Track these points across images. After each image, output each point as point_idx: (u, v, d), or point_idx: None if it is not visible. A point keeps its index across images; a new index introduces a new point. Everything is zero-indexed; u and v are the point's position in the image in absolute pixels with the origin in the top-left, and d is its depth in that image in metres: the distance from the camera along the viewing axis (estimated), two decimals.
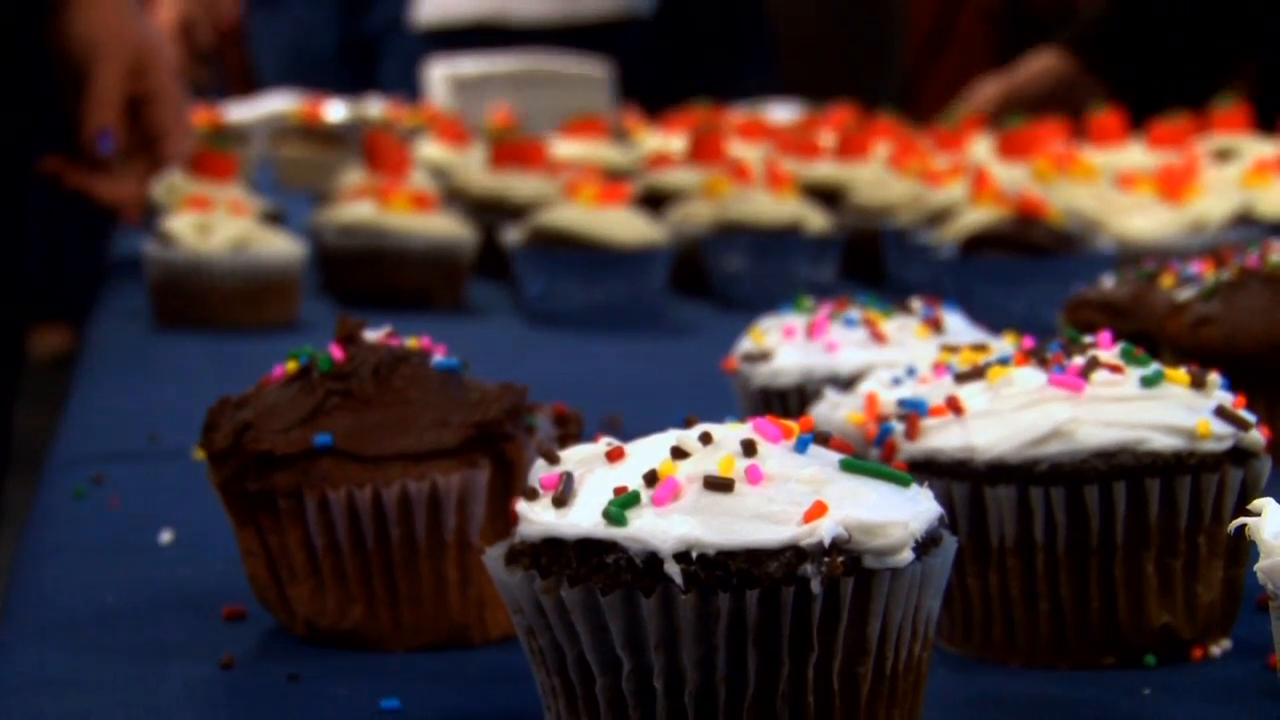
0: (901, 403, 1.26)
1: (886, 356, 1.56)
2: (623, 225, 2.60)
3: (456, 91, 4.86)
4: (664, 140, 4.08)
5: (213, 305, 2.55)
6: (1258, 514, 1.02)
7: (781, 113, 4.82)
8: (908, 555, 1.00)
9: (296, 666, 1.24)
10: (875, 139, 3.51)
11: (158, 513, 1.59)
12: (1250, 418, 1.22)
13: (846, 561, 0.98)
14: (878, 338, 1.58)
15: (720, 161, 3.16)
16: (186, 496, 1.57)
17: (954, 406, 1.22)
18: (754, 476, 1.00)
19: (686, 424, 1.06)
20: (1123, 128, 3.56)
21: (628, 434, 1.09)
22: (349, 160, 3.74)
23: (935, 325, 1.60)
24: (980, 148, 3.54)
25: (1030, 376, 1.22)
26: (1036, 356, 1.25)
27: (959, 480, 1.20)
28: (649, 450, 1.04)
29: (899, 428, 1.24)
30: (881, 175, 3.13)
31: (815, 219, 2.78)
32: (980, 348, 1.36)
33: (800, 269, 2.73)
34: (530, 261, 2.65)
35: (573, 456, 1.07)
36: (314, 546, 1.27)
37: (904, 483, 1.03)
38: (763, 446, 1.02)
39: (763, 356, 1.62)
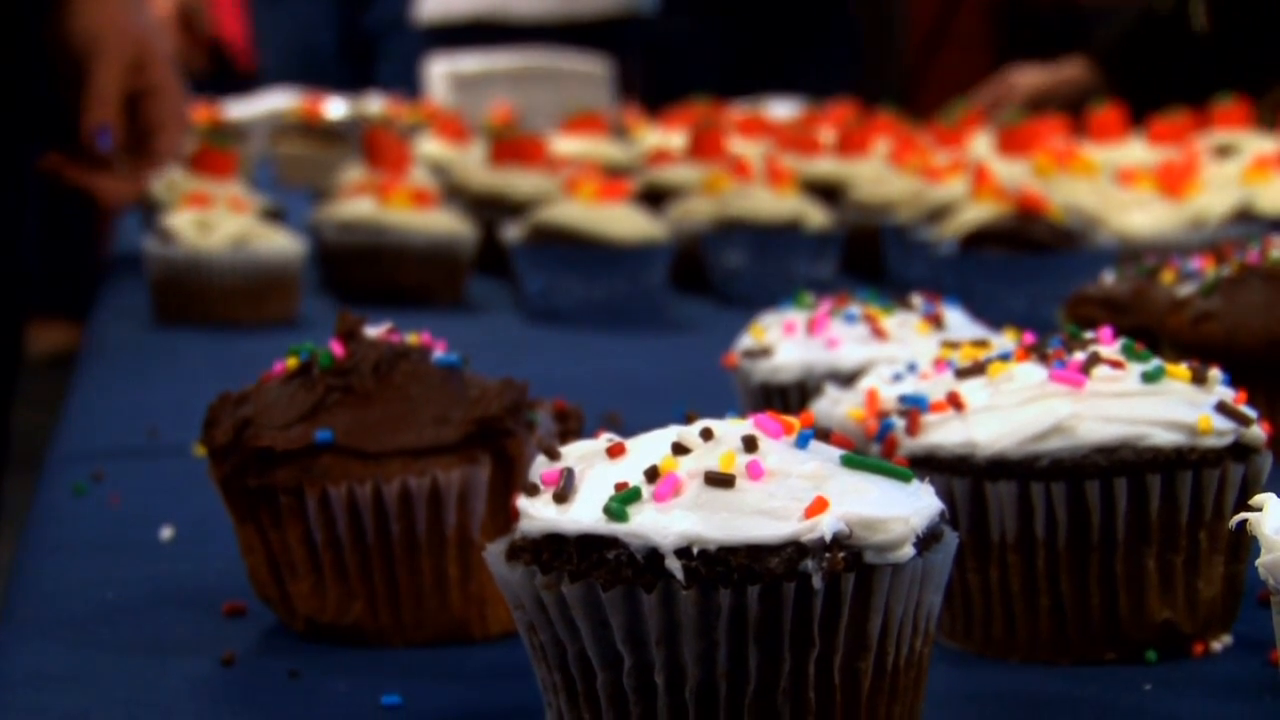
0: (902, 398, 1.26)
1: (887, 352, 1.56)
2: (623, 222, 2.60)
3: (456, 88, 4.86)
4: (664, 137, 4.08)
5: (213, 302, 2.55)
6: (1259, 509, 1.02)
7: (781, 109, 4.83)
8: (909, 551, 1.00)
9: (297, 663, 1.24)
10: (875, 135, 3.51)
11: (158, 509, 1.59)
12: (1251, 413, 1.22)
13: (847, 557, 0.98)
14: (878, 334, 1.58)
15: (720, 158, 3.16)
16: (187, 493, 1.57)
17: (955, 402, 1.22)
18: (755, 472, 1.00)
19: (687, 420, 1.06)
20: (1123, 124, 3.56)
21: (628, 430, 1.09)
22: (349, 157, 3.74)
23: (936, 321, 1.60)
24: (980, 144, 3.54)
25: (1031, 372, 1.22)
26: (1037, 352, 1.25)
27: (960, 476, 1.20)
28: (650, 446, 1.04)
29: (900, 423, 1.24)
30: (882, 171, 3.13)
31: (815, 215, 2.78)
32: (981, 344, 1.36)
33: (800, 265, 2.73)
34: (530, 258, 2.65)
35: (573, 452, 1.07)
36: (314, 543, 1.27)
37: (905, 478, 1.03)
38: (763, 442, 1.02)
39: (763, 352, 1.62)
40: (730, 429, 1.03)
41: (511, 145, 3.18)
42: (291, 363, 1.31)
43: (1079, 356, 1.23)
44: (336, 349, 1.30)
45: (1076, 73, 4.36)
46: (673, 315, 2.68)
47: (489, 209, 3.00)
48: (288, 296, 2.60)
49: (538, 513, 1.02)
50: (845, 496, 0.99)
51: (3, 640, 1.29)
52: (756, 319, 1.69)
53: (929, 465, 1.21)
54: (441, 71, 4.98)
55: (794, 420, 1.05)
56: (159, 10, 5.97)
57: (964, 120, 3.90)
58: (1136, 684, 1.18)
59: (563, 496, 1.02)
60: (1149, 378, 1.21)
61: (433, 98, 4.99)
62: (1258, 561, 1.00)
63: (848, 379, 1.52)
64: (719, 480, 0.99)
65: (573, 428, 1.34)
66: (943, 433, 1.21)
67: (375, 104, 4.80)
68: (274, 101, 4.78)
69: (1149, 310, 1.77)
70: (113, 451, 1.84)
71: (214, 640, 1.28)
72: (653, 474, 1.00)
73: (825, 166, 3.28)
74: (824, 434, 1.06)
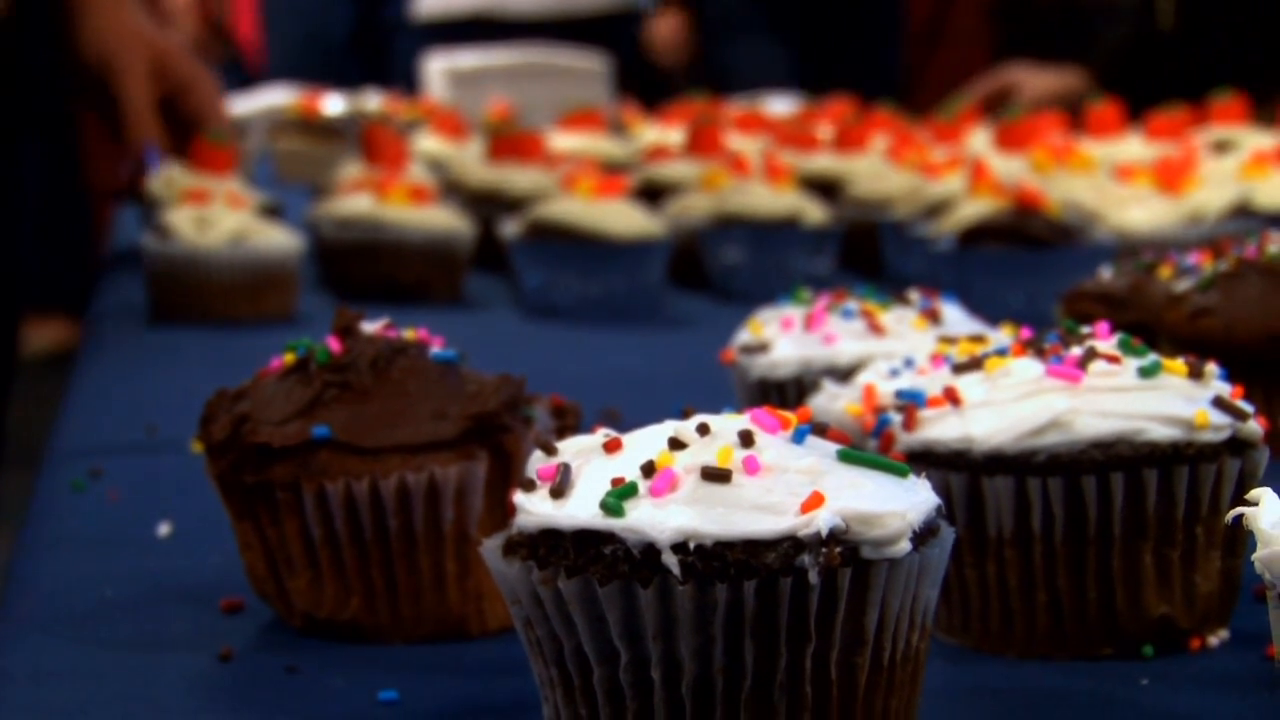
0: (899, 394, 1.26)
1: (884, 348, 1.56)
2: (620, 218, 2.60)
3: (454, 84, 4.86)
4: (662, 133, 4.08)
5: (211, 298, 2.54)
6: (1255, 504, 1.02)
7: (779, 105, 4.82)
8: (905, 546, 1.00)
9: (294, 658, 1.24)
10: (873, 131, 3.50)
11: (156, 505, 1.59)
12: (1248, 408, 1.22)
13: (844, 552, 0.98)
14: (875, 329, 1.58)
15: (718, 154, 3.16)
16: (185, 489, 1.57)
17: (952, 397, 1.22)
18: (751, 467, 1.00)
19: (684, 415, 1.06)
20: (1120, 119, 3.56)
21: (625, 425, 1.09)
22: (347, 153, 3.74)
23: (933, 317, 1.60)
24: (978, 140, 3.54)
25: (1028, 367, 1.22)
26: (1034, 347, 1.25)
27: (957, 471, 1.20)
28: (646, 441, 1.04)
29: (897, 419, 1.24)
30: (880, 167, 3.13)
31: (813, 211, 2.78)
32: (978, 339, 1.36)
33: (798, 261, 2.73)
34: (528, 254, 2.64)
35: (570, 448, 1.07)
36: (312, 538, 1.27)
37: (902, 473, 1.03)
38: (760, 437, 1.02)
39: (761, 348, 1.62)
40: (727, 424, 1.03)
41: (509, 141, 3.17)
42: (288, 359, 1.31)
43: (1076, 352, 1.23)
44: (334, 345, 1.30)
45: (1078, 82, 4.37)
46: (670, 311, 2.68)
47: (487, 205, 3.00)
48: (286, 293, 2.60)
49: (534, 508, 1.02)
50: (842, 492, 0.99)
51: (1, 636, 1.29)
52: (754, 315, 1.69)
53: (926, 460, 1.21)
54: (439, 68, 4.97)
55: (791, 415, 1.05)
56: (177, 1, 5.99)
57: (962, 116, 3.90)
58: (1133, 679, 1.18)
59: (559, 492, 1.02)
60: (1146, 373, 1.21)
61: (431, 94, 4.99)
62: (1254, 556, 1.00)
63: (845, 374, 1.52)
64: (715, 475, 0.99)
65: (570, 423, 1.34)
66: (940, 428, 1.21)
67: (373, 100, 4.80)
68: (272, 97, 4.77)
69: (1147, 305, 1.77)
70: (111, 448, 1.84)
71: (212, 636, 1.28)
72: (649, 469, 1.00)
73: (823, 162, 3.28)
74: (821, 429, 1.06)
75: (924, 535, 1.02)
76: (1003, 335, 1.45)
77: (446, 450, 1.26)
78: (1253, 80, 3.84)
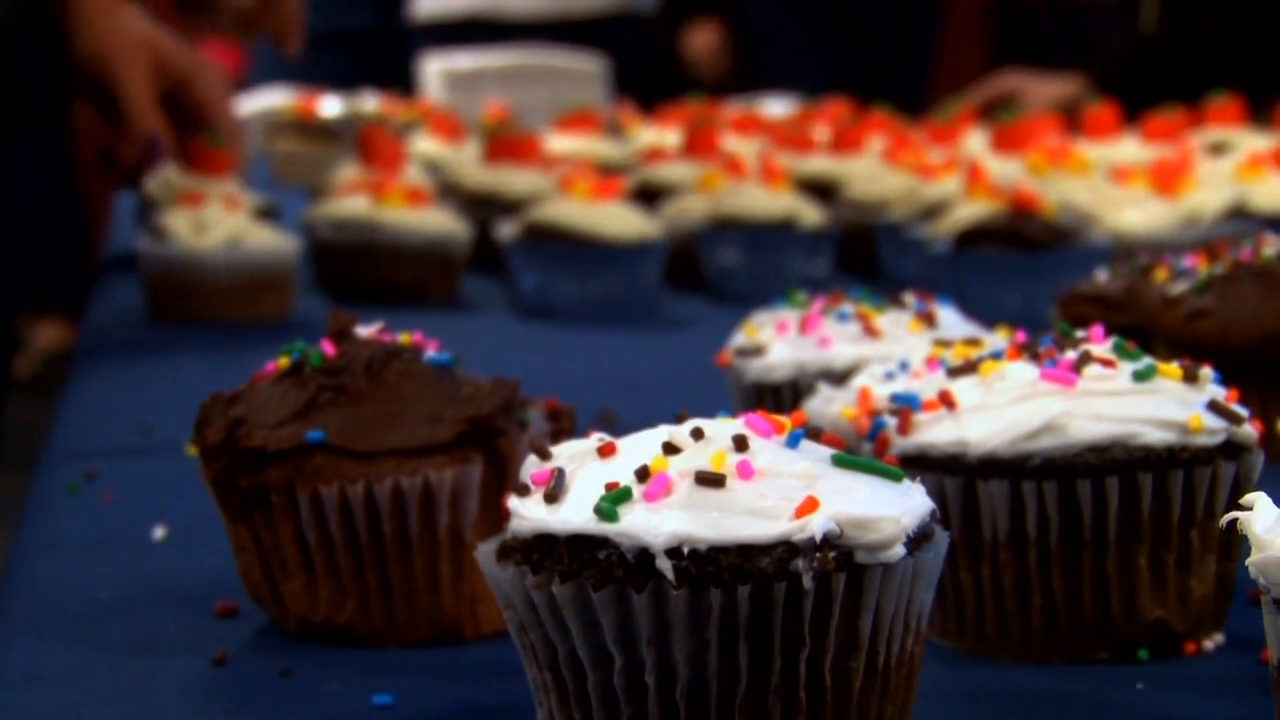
0: (894, 397, 1.26)
1: (879, 351, 1.56)
2: (617, 220, 2.60)
3: (451, 86, 4.86)
4: (658, 135, 4.08)
5: (207, 300, 2.54)
6: (1250, 508, 1.02)
7: (776, 107, 4.82)
8: (899, 550, 1.00)
9: (289, 662, 1.24)
10: (869, 133, 3.51)
11: (151, 508, 1.59)
12: (1243, 412, 1.22)
13: (838, 557, 0.98)
14: (871, 332, 1.58)
15: (715, 156, 3.16)
16: (179, 492, 1.57)
17: (947, 401, 1.22)
18: (745, 472, 1.00)
19: (678, 419, 1.06)
20: (1116, 122, 3.56)
21: (621, 427, 1.09)
22: (343, 155, 3.74)
23: (928, 320, 1.60)
24: (974, 142, 3.54)
25: (1023, 371, 1.22)
26: (1029, 351, 1.25)
27: (951, 475, 1.20)
28: (641, 446, 1.04)
29: (892, 422, 1.24)
30: (876, 169, 3.13)
31: (809, 213, 2.78)
32: (973, 342, 1.36)
33: (794, 263, 2.73)
34: (524, 256, 2.65)
35: (565, 452, 1.07)
36: (306, 542, 1.27)
37: (896, 478, 1.03)
38: (754, 442, 1.02)
39: (756, 351, 1.62)
40: (721, 428, 1.03)
41: (506, 143, 3.17)
42: (283, 362, 1.31)
43: (1071, 355, 1.23)
44: (328, 348, 1.30)
45: (1078, 89, 4.37)
46: (667, 313, 2.68)
47: (483, 207, 3.00)
48: (282, 295, 2.60)
49: (529, 513, 1.02)
50: (836, 496, 0.99)
51: None
52: (750, 317, 1.69)
53: (921, 464, 1.21)
54: (436, 69, 4.98)
55: (785, 419, 1.05)
56: None
57: (958, 118, 3.90)
58: (1128, 682, 1.18)
59: (553, 496, 1.02)
60: (1140, 376, 1.21)
61: (427, 96, 4.99)
62: (1249, 560, 1.00)
63: (840, 378, 1.52)
64: (710, 480, 0.99)
65: (565, 426, 1.34)
66: (935, 431, 1.21)
67: (370, 102, 4.80)
68: (269, 99, 4.78)
69: (1142, 308, 1.77)
70: (106, 450, 1.84)
71: (206, 639, 1.28)
72: (643, 474, 1.00)
73: (819, 164, 3.28)
74: (815, 433, 1.06)
75: (918, 539, 1.02)
76: (998, 338, 1.45)
77: (441, 454, 1.26)
78: (1244, 80, 3.84)
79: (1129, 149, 3.35)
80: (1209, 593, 1.23)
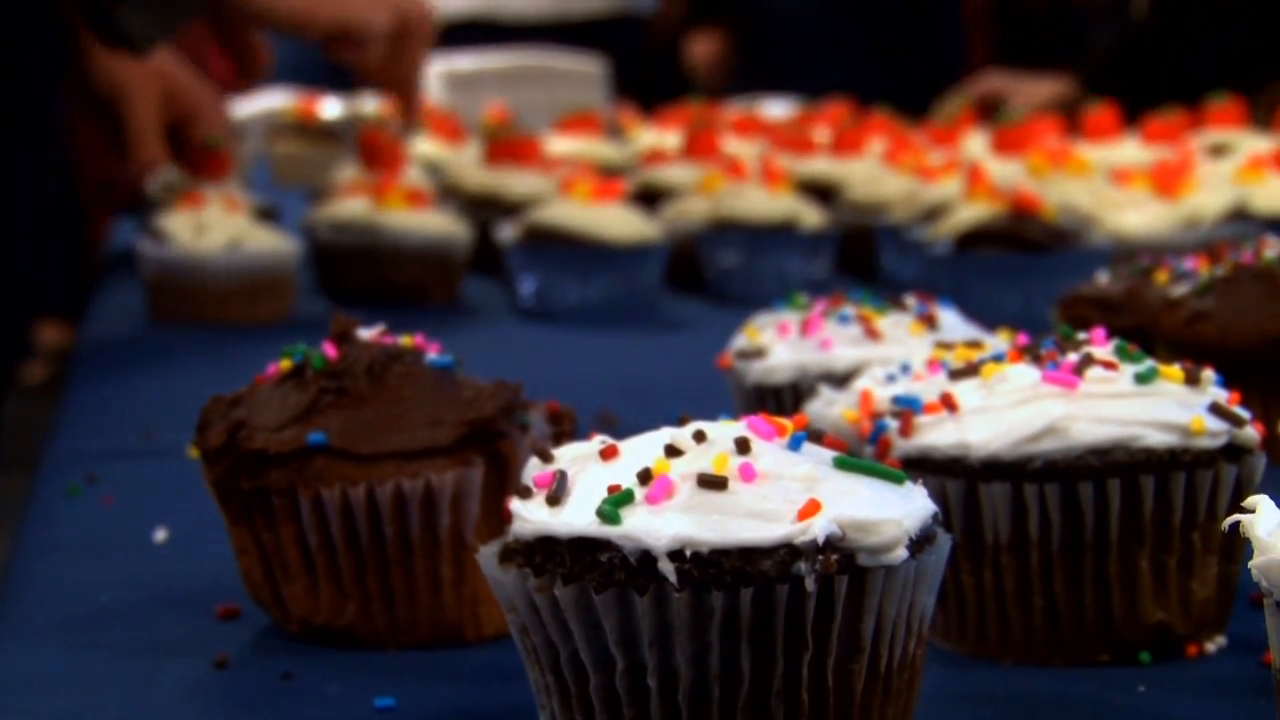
0: (896, 400, 1.26)
1: (881, 353, 1.55)
2: (617, 222, 2.60)
3: (451, 88, 4.86)
4: (659, 136, 4.08)
5: (207, 302, 2.54)
6: (1252, 510, 1.02)
7: (776, 108, 4.82)
8: (902, 553, 1.00)
9: (291, 665, 1.24)
10: (870, 135, 3.50)
11: (152, 511, 1.58)
12: (1245, 414, 1.22)
13: (840, 559, 0.98)
14: (872, 334, 1.58)
15: (715, 158, 3.16)
16: (181, 495, 1.57)
17: (948, 403, 1.22)
18: (748, 474, 1.00)
19: (680, 422, 1.06)
20: (1117, 123, 3.56)
21: (622, 431, 1.09)
22: (344, 157, 3.74)
23: (929, 322, 1.60)
24: (975, 143, 3.54)
25: (1024, 373, 1.22)
26: (1030, 353, 1.25)
27: (953, 477, 1.20)
28: (643, 448, 1.04)
29: (893, 425, 1.24)
30: (876, 171, 3.13)
31: (810, 215, 2.78)
32: (974, 344, 1.36)
33: (795, 265, 2.73)
34: (525, 258, 2.64)
35: (566, 454, 1.07)
36: (308, 545, 1.27)
37: (898, 480, 1.03)
38: (756, 444, 1.02)
39: (757, 353, 1.62)
40: (723, 431, 1.03)
41: (506, 145, 3.17)
42: (285, 365, 1.31)
43: (1072, 358, 1.23)
44: (330, 351, 1.30)
45: (1064, 89, 4.37)
46: (667, 315, 2.68)
47: (484, 209, 3.00)
48: (282, 297, 2.60)
49: (530, 515, 1.02)
50: (838, 499, 0.99)
51: None
52: (751, 320, 1.69)
53: (923, 466, 1.21)
54: (436, 71, 4.97)
55: (787, 422, 1.05)
56: None
57: (958, 120, 3.90)
58: (1130, 685, 1.18)
59: (555, 499, 1.02)
60: (1142, 379, 1.21)
61: (428, 97, 4.98)
62: (1251, 563, 1.00)
63: (841, 380, 1.52)
64: (712, 482, 0.99)
65: (566, 429, 1.34)
66: (936, 434, 1.21)
67: (370, 103, 4.80)
68: (269, 101, 4.77)
69: (1143, 310, 1.77)
70: (107, 453, 1.84)
71: (208, 642, 1.28)
72: (645, 476, 1.00)
73: (820, 166, 3.28)
74: (817, 436, 1.06)
75: (920, 542, 1.02)
76: (999, 341, 1.45)
77: (442, 456, 1.26)
78: (1238, 75, 3.84)
79: (1129, 151, 3.34)
80: (1211, 595, 1.23)
